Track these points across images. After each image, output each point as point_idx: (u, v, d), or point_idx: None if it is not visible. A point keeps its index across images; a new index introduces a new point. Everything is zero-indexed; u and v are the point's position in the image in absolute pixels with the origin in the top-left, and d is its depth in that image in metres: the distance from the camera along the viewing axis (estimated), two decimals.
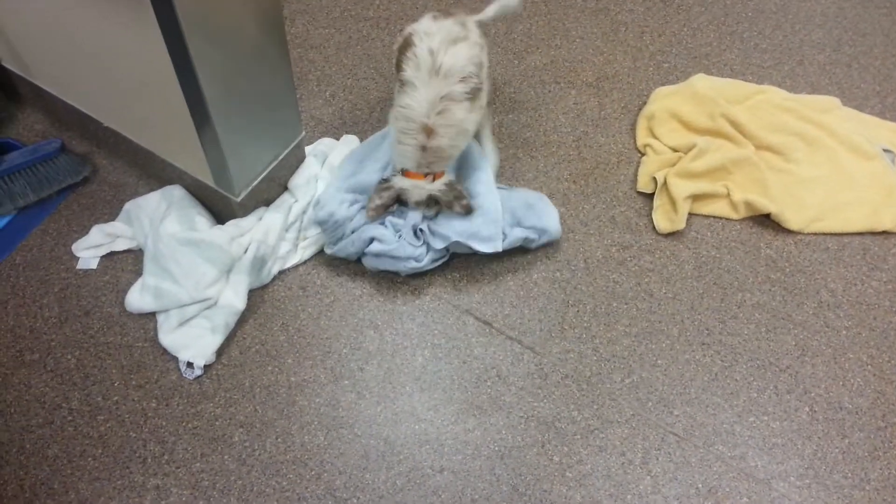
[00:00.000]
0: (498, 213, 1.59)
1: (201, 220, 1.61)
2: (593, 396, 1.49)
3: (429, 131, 1.46)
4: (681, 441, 1.44)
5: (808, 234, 1.74)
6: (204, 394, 1.47)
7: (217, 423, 1.43)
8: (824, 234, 1.75)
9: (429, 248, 1.61)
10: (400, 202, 1.61)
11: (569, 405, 1.48)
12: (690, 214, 1.75)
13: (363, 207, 1.62)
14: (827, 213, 1.75)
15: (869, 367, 1.54)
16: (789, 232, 1.75)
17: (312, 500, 1.35)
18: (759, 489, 1.38)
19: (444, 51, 1.44)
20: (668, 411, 1.48)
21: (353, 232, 1.61)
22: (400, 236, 1.60)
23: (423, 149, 1.49)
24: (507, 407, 1.48)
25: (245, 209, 1.62)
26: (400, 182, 1.55)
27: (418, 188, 1.54)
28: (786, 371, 1.53)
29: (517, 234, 1.62)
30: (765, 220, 1.77)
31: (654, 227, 1.74)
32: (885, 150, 1.87)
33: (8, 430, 1.40)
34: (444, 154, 1.52)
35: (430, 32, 1.46)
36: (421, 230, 1.61)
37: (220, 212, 1.64)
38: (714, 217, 1.77)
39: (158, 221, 1.59)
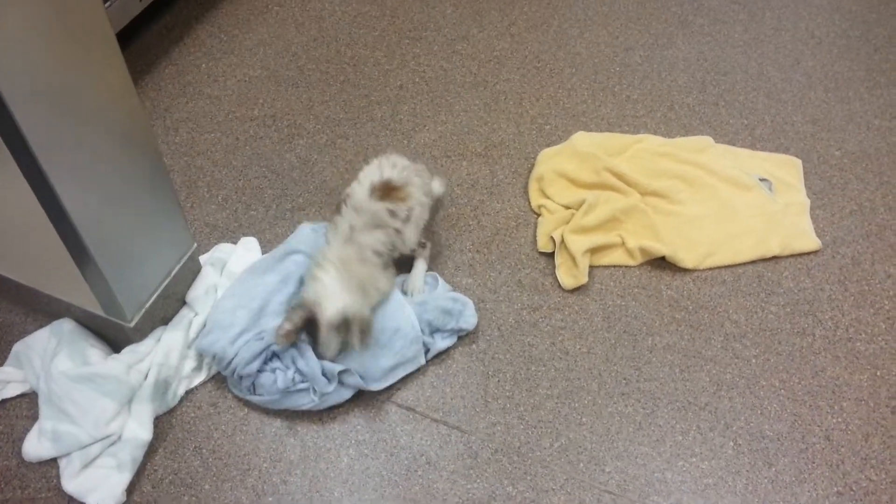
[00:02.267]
0: (416, 331, 1.59)
1: (94, 352, 1.53)
2: (525, 467, 1.47)
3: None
4: (616, 498, 1.43)
5: (704, 269, 1.81)
6: None
7: None
8: (719, 267, 1.82)
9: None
10: (309, 328, 1.50)
11: (502, 481, 1.45)
12: (591, 267, 1.79)
13: (255, 338, 1.54)
14: (718, 248, 1.82)
15: (782, 391, 1.59)
16: (686, 270, 1.81)
17: None
18: None
19: (362, 231, 1.54)
20: (599, 469, 1.47)
21: (234, 373, 1.53)
22: (296, 380, 1.52)
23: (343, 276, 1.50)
24: (440, 495, 1.44)
25: (141, 333, 1.55)
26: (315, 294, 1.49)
27: (333, 302, 1.45)
28: (705, 409, 1.56)
29: (441, 346, 1.64)
30: (662, 263, 1.83)
31: (559, 285, 1.77)
32: (762, 180, 1.98)
33: None
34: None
35: (358, 208, 1.55)
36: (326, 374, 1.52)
37: (115, 339, 1.57)
38: (614, 266, 1.82)
39: (49, 360, 1.51)
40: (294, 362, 1.53)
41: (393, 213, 1.56)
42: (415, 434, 1.53)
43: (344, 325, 1.45)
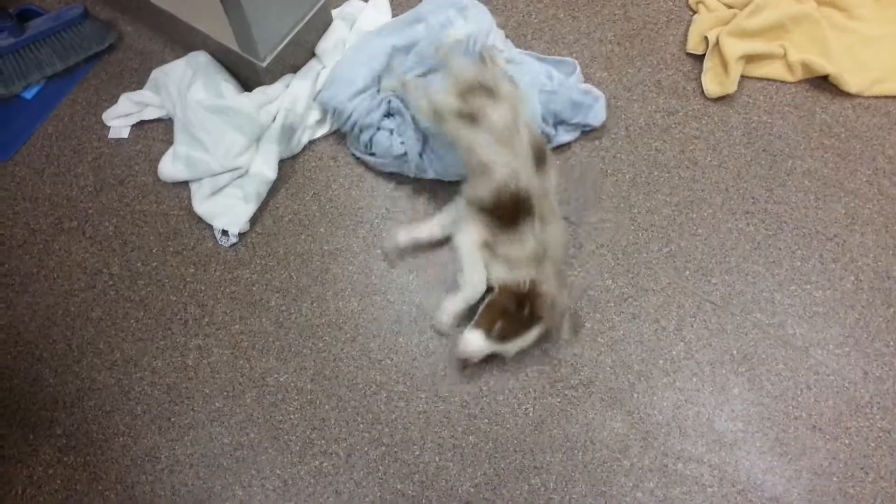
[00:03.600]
0: (537, 124, 1.51)
1: (227, 86, 1.57)
2: (629, 265, 1.46)
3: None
4: (717, 309, 1.41)
5: (869, 97, 1.62)
6: (240, 261, 1.48)
7: (254, 288, 1.45)
8: (886, 97, 1.62)
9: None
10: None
11: (603, 274, 1.46)
12: (742, 77, 1.63)
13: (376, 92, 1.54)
14: (891, 75, 1.61)
15: None
16: (848, 95, 1.62)
17: (348, 361, 1.38)
18: (795, 356, 1.36)
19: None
20: (705, 280, 1.44)
21: (354, 127, 1.53)
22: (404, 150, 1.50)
23: None
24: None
25: (272, 75, 1.57)
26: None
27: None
28: (833, 240, 1.47)
29: (563, 139, 1.57)
30: (822, 83, 1.64)
31: (702, 92, 1.64)
32: None
33: (53, 294, 1.45)
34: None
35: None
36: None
37: (247, 78, 1.59)
38: (767, 80, 1.65)
39: (185, 89, 1.55)
40: (402, 134, 1.52)
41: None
42: None
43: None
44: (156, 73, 1.64)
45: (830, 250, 1.46)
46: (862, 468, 1.25)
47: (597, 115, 1.58)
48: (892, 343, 1.37)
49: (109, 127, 1.62)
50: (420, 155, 1.50)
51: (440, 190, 1.53)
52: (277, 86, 1.59)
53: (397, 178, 1.56)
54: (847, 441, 1.28)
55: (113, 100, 1.63)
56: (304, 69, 1.62)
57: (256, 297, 1.44)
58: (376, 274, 1.47)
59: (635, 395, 1.33)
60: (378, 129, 1.53)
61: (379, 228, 1.52)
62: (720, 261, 1.46)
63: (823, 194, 1.52)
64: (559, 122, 1.57)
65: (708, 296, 1.43)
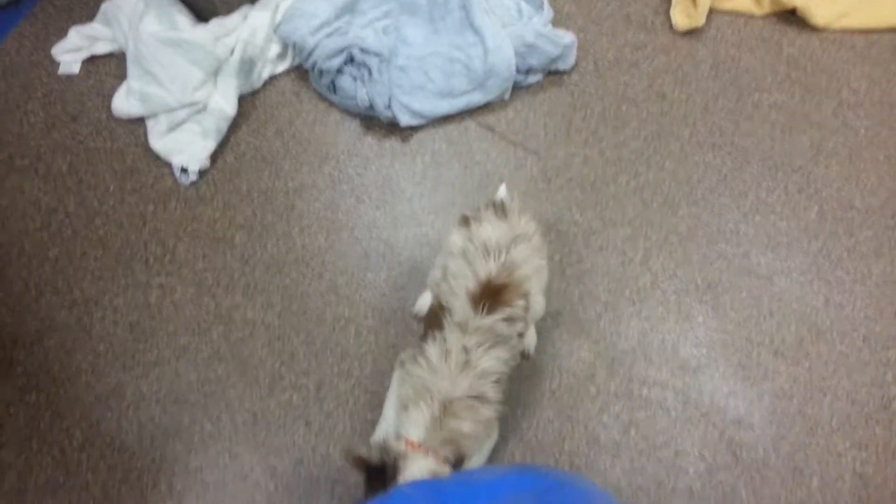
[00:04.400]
0: (511, 72, 1.50)
1: (182, 18, 1.51)
2: (597, 199, 1.46)
3: (447, 411, 0.99)
4: (683, 240, 1.42)
5: (835, 30, 1.62)
6: (201, 198, 1.45)
7: (217, 225, 1.42)
8: (852, 30, 1.63)
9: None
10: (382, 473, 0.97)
11: (571, 208, 1.45)
12: (711, 10, 1.62)
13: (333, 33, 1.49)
14: (857, 7, 1.61)
15: (885, 166, 1.49)
16: (814, 29, 1.62)
17: (316, 297, 1.36)
18: (759, 284, 1.38)
19: (481, 355, 1.01)
20: (672, 212, 1.45)
21: (315, 67, 1.49)
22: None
23: (436, 423, 0.99)
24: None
25: (228, 6, 1.51)
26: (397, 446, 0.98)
27: (420, 464, 0.96)
28: (798, 171, 1.49)
29: (530, 81, 1.57)
30: (789, 17, 1.64)
31: (670, 25, 1.62)
32: None
33: (6, 233, 1.40)
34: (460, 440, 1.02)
35: (464, 326, 1.01)
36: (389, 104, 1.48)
37: (202, 10, 1.53)
38: (736, 13, 1.64)
39: (137, 21, 1.49)
40: (366, 84, 1.48)
41: (510, 320, 1.03)
42: (491, 153, 1.51)
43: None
44: (106, 6, 1.56)
45: (795, 181, 1.48)
46: (820, 390, 1.29)
47: (567, 62, 1.56)
48: (853, 271, 1.39)
49: (59, 62, 1.56)
50: (387, 106, 1.47)
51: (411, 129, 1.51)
52: (235, 17, 1.53)
53: (363, 113, 1.52)
54: (807, 365, 1.31)
55: (62, 34, 1.56)
56: (262, 0, 1.57)
57: (220, 234, 1.41)
58: (343, 210, 1.45)
59: (602, 325, 1.34)
60: (339, 72, 1.49)
61: (345, 165, 1.49)
62: (687, 193, 1.47)
63: (789, 127, 1.53)
64: (528, 70, 1.55)
65: (674, 227, 1.43)
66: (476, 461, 1.11)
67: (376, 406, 1.25)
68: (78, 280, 1.36)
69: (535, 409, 1.27)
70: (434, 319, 1.06)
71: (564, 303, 1.36)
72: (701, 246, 1.42)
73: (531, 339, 1.30)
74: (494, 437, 1.14)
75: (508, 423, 1.25)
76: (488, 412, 1.01)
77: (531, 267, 1.06)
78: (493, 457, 1.20)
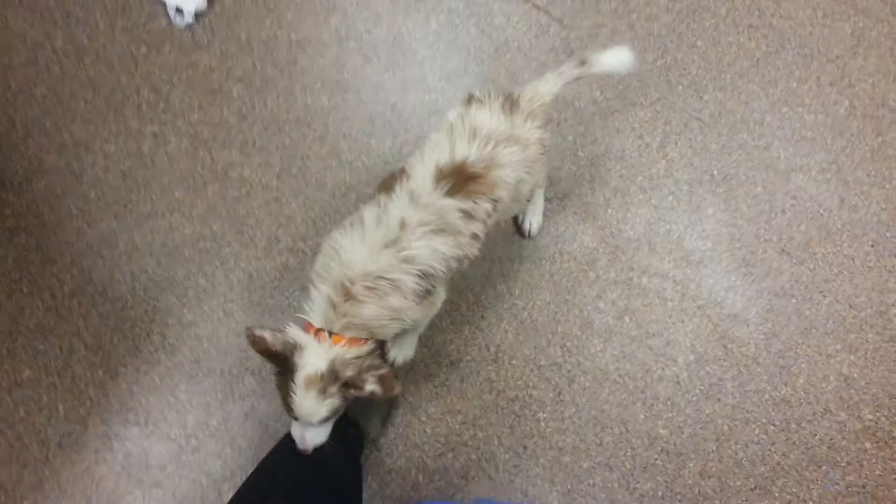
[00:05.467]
0: None
1: None
2: (619, 77, 1.37)
3: (347, 294, 0.91)
4: (704, 127, 1.35)
5: None
6: (197, 44, 1.35)
7: (213, 75, 1.34)
8: None
9: None
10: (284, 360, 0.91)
11: (591, 84, 1.37)
12: None
13: None
14: None
15: None
16: None
17: (316, 160, 1.31)
18: (775, 180, 1.33)
19: (418, 236, 0.91)
20: (697, 96, 1.37)
21: None
22: None
23: (335, 307, 0.91)
24: (523, 83, 1.37)
25: None
26: (295, 335, 0.91)
27: (316, 352, 0.89)
28: (834, 62, 1.39)
29: None
30: None
31: None
32: None
33: None
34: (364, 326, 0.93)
35: (417, 198, 0.92)
36: None
37: None
38: None
39: None
40: None
41: (468, 215, 0.94)
42: (511, 16, 1.41)
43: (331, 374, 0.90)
44: None
45: (830, 73, 1.39)
46: (821, 292, 1.28)
47: None
48: (874, 173, 1.34)
49: None
50: None
51: None
52: None
53: None
54: (812, 266, 1.29)
55: None
56: None
57: (216, 85, 1.33)
58: (349, 70, 1.36)
59: (609, 211, 1.31)
60: None
61: (353, 19, 1.39)
62: (715, 77, 1.38)
63: (832, 11, 1.41)
64: None
65: (697, 113, 1.36)
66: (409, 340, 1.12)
67: None
68: (67, 122, 1.30)
69: (532, 290, 1.26)
70: (389, 183, 0.96)
71: (573, 186, 1.31)
72: (722, 135, 1.35)
73: (536, 220, 1.27)
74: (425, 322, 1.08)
75: (504, 301, 1.24)
76: (398, 303, 0.91)
77: (512, 175, 0.96)
78: (490, 337, 1.21)
